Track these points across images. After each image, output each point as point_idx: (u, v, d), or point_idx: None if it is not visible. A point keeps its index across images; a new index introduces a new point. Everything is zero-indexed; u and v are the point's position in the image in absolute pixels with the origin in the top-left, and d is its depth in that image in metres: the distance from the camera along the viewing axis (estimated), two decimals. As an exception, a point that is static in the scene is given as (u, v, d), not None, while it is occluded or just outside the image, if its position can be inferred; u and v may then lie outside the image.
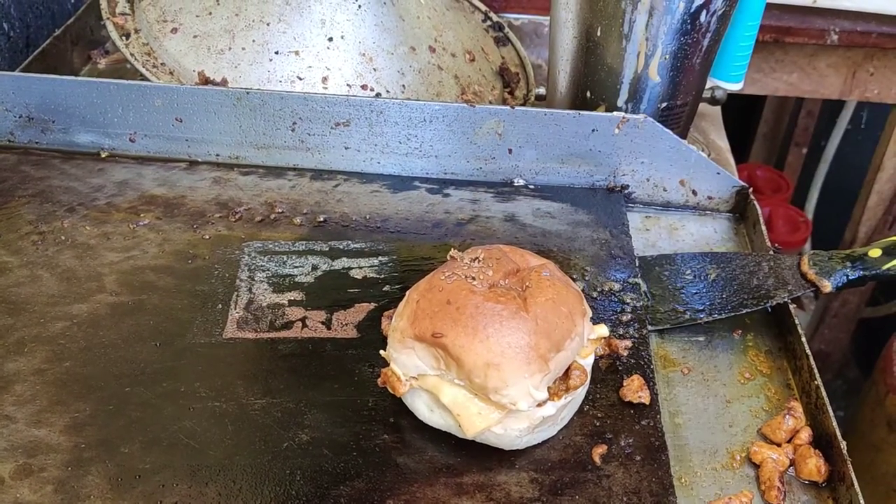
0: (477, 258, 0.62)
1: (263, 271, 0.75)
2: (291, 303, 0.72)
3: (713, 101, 1.06)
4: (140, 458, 0.58)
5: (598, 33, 0.85)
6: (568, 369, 0.60)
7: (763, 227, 0.81)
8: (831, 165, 2.09)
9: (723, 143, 1.12)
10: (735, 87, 0.99)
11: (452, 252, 0.63)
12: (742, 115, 2.24)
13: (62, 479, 0.56)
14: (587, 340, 0.62)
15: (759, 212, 0.83)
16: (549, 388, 0.58)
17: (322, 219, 0.82)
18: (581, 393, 0.62)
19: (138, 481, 0.56)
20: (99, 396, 0.63)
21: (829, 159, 2.08)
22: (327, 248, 0.79)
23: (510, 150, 0.87)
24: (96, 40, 1.20)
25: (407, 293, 0.62)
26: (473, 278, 0.59)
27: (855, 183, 2.14)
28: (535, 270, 0.61)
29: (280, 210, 0.83)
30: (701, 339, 0.73)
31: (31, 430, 0.60)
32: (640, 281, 0.76)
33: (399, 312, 0.61)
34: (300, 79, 0.95)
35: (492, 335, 0.56)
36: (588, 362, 0.62)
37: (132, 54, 0.93)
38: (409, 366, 0.59)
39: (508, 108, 0.84)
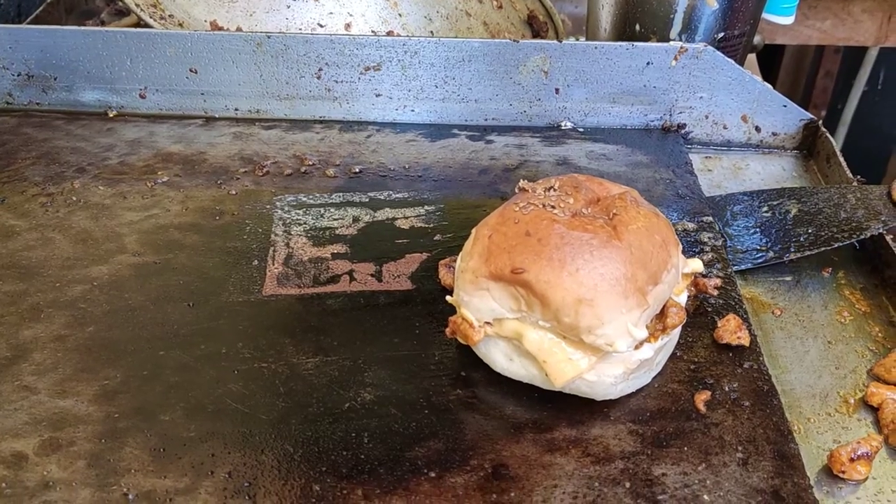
0: (552, 187, 0.55)
1: (300, 225, 0.68)
2: (335, 256, 0.65)
3: (750, 47, 0.99)
4: (183, 426, 0.51)
5: (649, -42, 0.78)
6: (664, 307, 0.53)
7: (841, 160, 0.74)
8: (850, 127, 2.03)
9: (764, 89, 1.05)
10: (787, 20, 0.93)
11: (522, 183, 0.56)
12: (756, 78, 2.17)
13: (95, 453, 0.49)
14: (681, 275, 0.55)
15: (834, 145, 0.76)
16: (646, 327, 0.51)
17: (357, 170, 0.75)
18: (676, 334, 0.55)
19: (184, 450, 0.49)
20: (130, 362, 0.55)
21: (848, 122, 2.02)
22: (367, 199, 0.71)
23: (557, 90, 0.80)
24: (90, 10, 1.12)
25: (474, 230, 0.55)
26: (553, 207, 0.52)
27: (875, 144, 2.08)
28: (620, 197, 0.54)
29: (311, 163, 0.76)
30: (788, 279, 0.66)
31: (56, 401, 0.52)
32: (713, 220, 0.69)
33: (467, 252, 0.54)
34: (321, 26, 0.88)
35: (582, 267, 0.49)
36: (682, 300, 0.55)
37: (137, 5, 0.86)
38: (483, 310, 0.52)
39: (555, 42, 0.77)
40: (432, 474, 0.48)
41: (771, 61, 2.05)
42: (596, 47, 0.77)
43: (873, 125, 2.07)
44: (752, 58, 1.12)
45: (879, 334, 0.61)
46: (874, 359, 0.59)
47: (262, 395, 0.53)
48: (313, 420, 0.51)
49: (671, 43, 0.77)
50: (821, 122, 0.79)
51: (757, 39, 0.99)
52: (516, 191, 0.56)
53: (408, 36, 0.79)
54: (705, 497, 0.47)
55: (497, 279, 0.51)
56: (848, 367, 0.58)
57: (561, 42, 0.77)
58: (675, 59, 0.77)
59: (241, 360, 0.56)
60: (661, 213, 0.55)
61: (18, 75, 0.81)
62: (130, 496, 0.47)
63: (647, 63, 0.78)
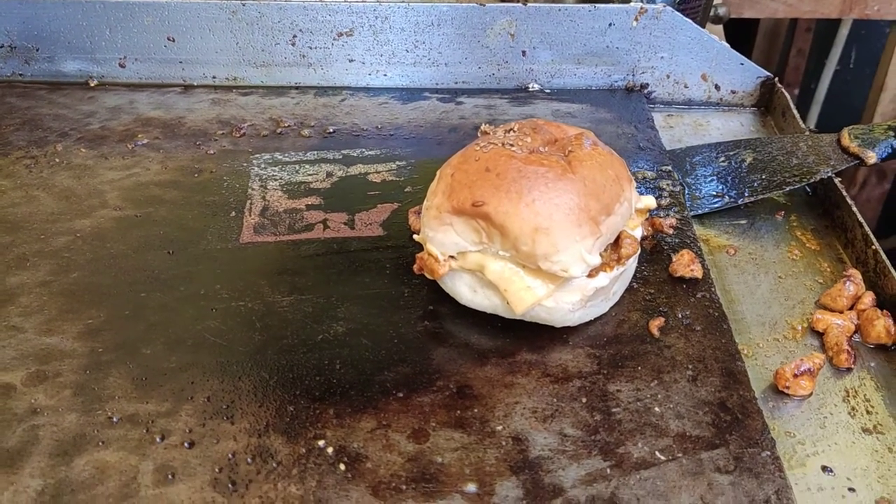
0: (511, 129, 0.58)
1: (276, 180, 0.71)
2: (309, 207, 0.68)
3: (716, 18, 1.03)
4: (164, 358, 0.53)
5: (609, -77, 0.81)
6: (618, 238, 0.56)
7: (795, 112, 0.77)
8: (823, 107, 2.07)
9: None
10: (747, -14, 0.96)
11: (484, 126, 0.59)
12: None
13: (80, 383, 0.52)
14: (634, 210, 0.58)
15: (789, 99, 0.79)
16: (601, 256, 0.54)
17: (331, 130, 0.78)
18: (631, 266, 0.58)
19: (165, 379, 0.52)
20: (113, 303, 0.58)
21: (821, 100, 2.06)
22: (340, 156, 0.74)
23: (524, 53, 0.83)
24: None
25: (438, 172, 0.58)
26: (512, 145, 0.55)
27: (848, 123, 2.11)
28: (576, 138, 0.57)
29: (287, 125, 0.79)
30: (743, 222, 0.69)
31: (42, 339, 0.55)
32: (672, 168, 0.72)
33: (432, 191, 0.57)
34: (296, -3, 0.90)
35: (538, 198, 0.52)
36: (637, 234, 0.58)
37: (116, -22, 0.88)
38: (447, 244, 0.55)
39: (520, 5, 0.80)
40: (400, 394, 0.51)
41: (744, 41, 2.08)
42: (560, 9, 0.80)
43: (846, 104, 2.10)
44: (719, 30, 1.15)
45: (828, 269, 0.64)
46: (822, 291, 0.62)
47: (239, 330, 0.56)
48: (288, 350, 0.54)
49: (632, 4, 0.80)
50: (776, 78, 0.82)
51: (723, 11, 1.02)
52: (478, 134, 0.59)
53: (377, 2, 0.82)
54: (656, 409, 0.50)
55: (459, 213, 0.54)
56: (797, 298, 0.62)
57: (525, 5, 0.80)
58: (636, 19, 0.80)
59: (219, 299, 0.58)
60: (616, 153, 0.58)
61: (1, 47, 0.84)
62: (115, 419, 0.49)
63: (609, 24, 0.81)
